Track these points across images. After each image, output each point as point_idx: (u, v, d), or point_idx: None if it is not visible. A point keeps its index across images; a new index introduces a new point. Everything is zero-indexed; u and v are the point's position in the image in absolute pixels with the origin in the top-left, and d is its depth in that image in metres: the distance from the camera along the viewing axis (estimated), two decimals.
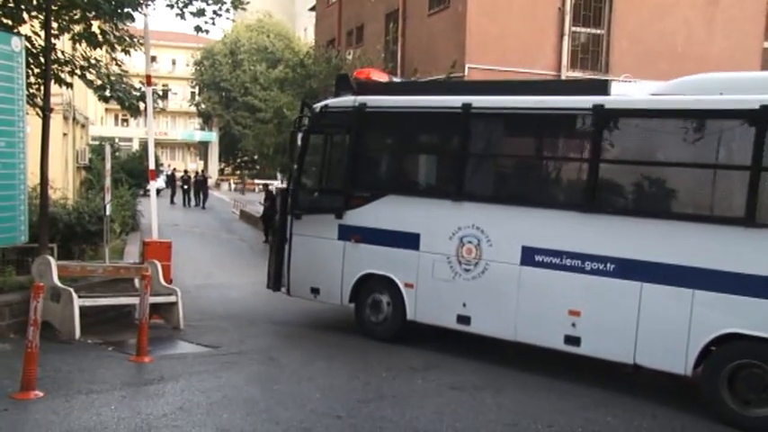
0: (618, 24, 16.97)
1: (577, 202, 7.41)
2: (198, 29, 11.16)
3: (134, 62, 25.42)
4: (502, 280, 7.73)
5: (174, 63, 66.43)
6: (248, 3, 11.36)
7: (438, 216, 8.21)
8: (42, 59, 10.03)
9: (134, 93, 11.97)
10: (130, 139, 54.77)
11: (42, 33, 9.97)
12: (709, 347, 6.56)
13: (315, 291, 9.26)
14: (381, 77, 9.79)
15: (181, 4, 10.82)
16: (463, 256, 8.00)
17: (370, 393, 6.68)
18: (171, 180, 36.68)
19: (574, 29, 16.85)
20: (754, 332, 6.26)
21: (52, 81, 10.25)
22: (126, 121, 58.91)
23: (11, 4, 9.93)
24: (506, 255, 7.71)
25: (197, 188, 34.02)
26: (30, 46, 10.04)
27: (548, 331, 7.46)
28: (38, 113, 10.17)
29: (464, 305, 8.00)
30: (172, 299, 9.28)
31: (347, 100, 8.99)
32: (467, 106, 8.01)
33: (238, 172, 52.44)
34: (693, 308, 6.58)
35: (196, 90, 53.45)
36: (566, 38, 16.59)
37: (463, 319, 8.04)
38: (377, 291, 8.79)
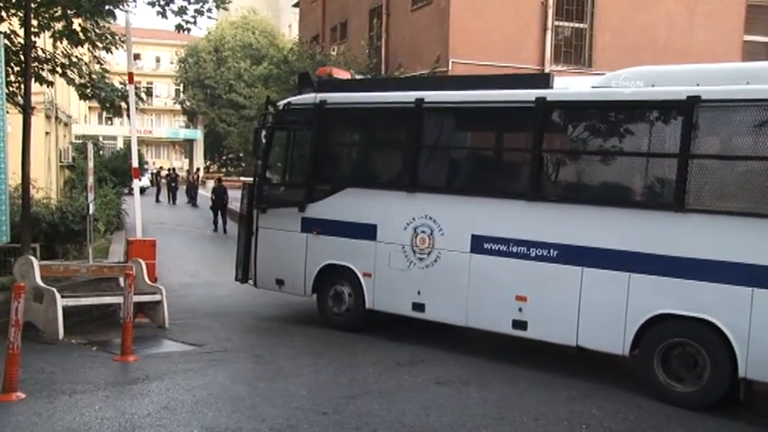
0: (600, 18, 17.02)
1: (523, 191, 7.66)
2: (179, 27, 11.05)
3: (117, 60, 25.24)
4: (453, 268, 8.01)
5: (158, 60, 65.98)
6: (230, 2, 11.27)
7: (393, 207, 8.50)
8: (22, 57, 9.93)
9: (116, 92, 11.85)
10: (115, 138, 54.38)
11: (22, 31, 9.87)
12: (645, 328, 6.83)
13: (280, 282, 9.54)
14: (343, 75, 10.08)
15: (162, 2, 10.71)
16: (417, 245, 8.29)
17: (357, 389, 6.68)
18: (156, 178, 36.50)
19: (557, 23, 16.88)
20: (685, 312, 6.58)
21: (33, 79, 10.16)
22: (110, 119, 58.26)
23: None
24: (457, 243, 7.99)
25: (188, 186, 33.86)
26: (9, 44, 9.93)
27: (497, 316, 7.73)
28: (19, 112, 10.07)
29: (419, 293, 8.28)
30: (156, 297, 9.22)
31: (309, 97, 9.24)
32: (419, 101, 8.32)
33: (224, 169, 52.19)
34: (630, 290, 6.88)
35: (181, 87, 53.08)
36: (549, 32, 16.61)
37: (418, 307, 8.32)
38: (338, 281, 9.06)
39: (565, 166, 7.88)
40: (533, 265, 7.47)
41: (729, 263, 6.37)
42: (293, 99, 9.58)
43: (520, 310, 7.55)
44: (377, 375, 7.21)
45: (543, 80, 7.84)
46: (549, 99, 7.52)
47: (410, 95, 8.43)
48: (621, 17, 16.87)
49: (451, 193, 8.28)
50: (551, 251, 7.37)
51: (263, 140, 9.48)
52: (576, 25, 17.19)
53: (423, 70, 16.35)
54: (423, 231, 8.24)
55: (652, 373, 6.84)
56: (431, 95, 8.36)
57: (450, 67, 15.68)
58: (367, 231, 8.66)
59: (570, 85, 7.89)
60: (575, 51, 17.15)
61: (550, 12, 16.62)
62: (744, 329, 6.28)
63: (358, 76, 11.40)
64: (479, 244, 7.84)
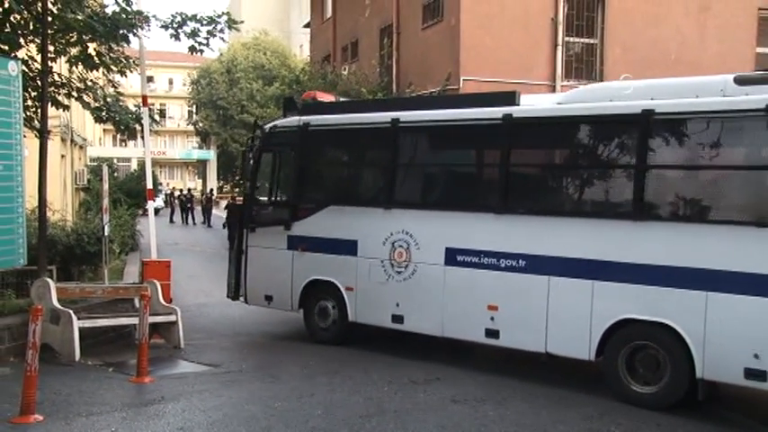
0: (611, 33, 17.04)
1: (492, 204, 7.97)
2: (192, 49, 11.21)
3: (131, 83, 25.58)
4: (429, 280, 8.33)
5: (170, 82, 66.69)
6: (242, 23, 11.42)
7: (373, 223, 8.85)
8: (39, 82, 10.09)
9: (130, 115, 12.00)
10: (129, 159, 54.84)
11: (39, 57, 10.03)
12: (609, 333, 7.09)
13: (269, 298, 9.93)
14: (327, 98, 10.52)
15: (175, 25, 10.87)
16: (395, 259, 8.64)
17: (372, 408, 6.64)
18: (170, 199, 36.77)
19: (567, 39, 16.92)
20: (646, 317, 6.88)
21: (49, 104, 10.31)
22: (124, 141, 59.01)
23: (7, 30, 10.00)
24: (432, 256, 8.31)
25: (204, 207, 34.10)
26: (27, 69, 10.09)
27: (470, 326, 8.01)
28: (36, 136, 10.21)
29: (397, 305, 8.61)
30: (171, 318, 9.26)
31: (293, 120, 9.67)
32: (395, 121, 8.69)
33: (236, 189, 52.45)
34: (594, 297, 7.16)
35: (193, 109, 53.59)
36: (559, 48, 16.66)
37: (397, 318, 8.64)
38: (322, 296, 9.41)
39: (530, 180, 8.28)
40: (503, 275, 7.76)
41: (684, 268, 6.65)
42: (278, 122, 10.00)
43: (492, 319, 7.82)
44: (392, 394, 7.17)
45: (510, 98, 8.08)
46: (515, 116, 7.82)
47: (386, 116, 8.79)
48: (632, 32, 16.89)
49: (426, 208, 8.64)
50: (519, 261, 7.66)
51: (252, 162, 9.92)
52: (587, 41, 17.22)
53: (434, 88, 16.42)
54: (400, 246, 8.58)
55: (617, 376, 7.10)
56: (405, 115, 8.69)
57: (461, 85, 15.73)
58: (348, 247, 9.01)
59: (537, 102, 8.20)
60: (586, 67, 17.16)
61: (561, 28, 16.67)
62: (699, 332, 6.54)
63: (343, 99, 11.86)
64: (453, 256, 8.16)
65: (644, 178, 6.99)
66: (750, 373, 6.31)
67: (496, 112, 7.93)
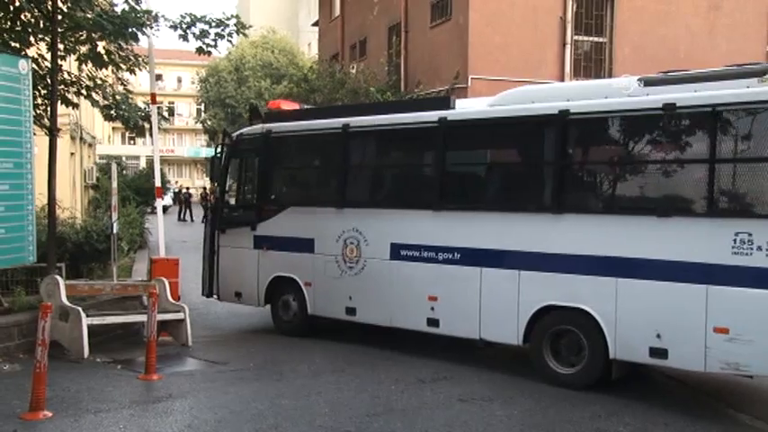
0: (620, 32, 16.99)
1: (430, 202, 8.45)
2: (200, 50, 11.25)
3: (140, 81, 25.66)
4: (377, 274, 8.87)
5: (179, 81, 66.91)
6: (251, 27, 11.44)
7: (327, 222, 9.39)
8: (49, 81, 10.14)
9: (139, 112, 12.04)
10: (138, 157, 55.11)
11: (49, 55, 10.08)
12: (534, 319, 7.58)
13: (238, 295, 10.50)
14: (291, 107, 11.10)
15: (184, 26, 10.91)
16: (347, 255, 9.16)
17: (379, 407, 6.65)
18: (178, 197, 36.92)
19: (576, 37, 16.88)
20: (565, 303, 7.38)
21: (59, 102, 10.36)
22: (133, 139, 59.27)
23: (18, 28, 10.05)
24: (379, 252, 8.84)
25: (203, 204, 34.20)
26: (36, 68, 10.15)
27: (414, 316, 8.52)
28: (45, 133, 10.27)
29: (350, 298, 9.14)
30: (180, 316, 9.29)
31: (257, 128, 10.29)
32: (345, 126, 9.22)
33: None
34: (520, 286, 7.67)
35: (202, 107, 53.73)
36: (568, 47, 16.63)
37: (350, 311, 9.18)
38: (285, 292, 9.96)
39: (463, 178, 8.82)
40: (441, 267, 8.27)
41: (597, 257, 7.14)
42: (244, 130, 10.66)
43: (432, 309, 8.33)
44: (399, 393, 7.18)
45: (445, 102, 8.73)
46: (449, 119, 8.33)
47: (338, 122, 9.32)
48: (641, 30, 16.83)
49: (373, 207, 9.20)
50: (455, 254, 8.18)
51: (221, 168, 10.52)
52: (596, 39, 17.18)
53: (442, 87, 16.42)
54: (351, 243, 9.11)
55: (542, 358, 7.60)
56: (354, 121, 9.22)
57: (469, 84, 15.73)
58: (306, 245, 9.58)
59: (470, 106, 8.71)
60: (595, 65, 17.12)
61: (569, 27, 16.64)
62: (611, 315, 7.05)
63: (307, 106, 12.56)
64: (397, 251, 8.69)
65: (561, 174, 7.54)
66: (654, 352, 6.81)
67: (433, 115, 8.44)
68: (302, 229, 9.64)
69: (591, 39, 17.16)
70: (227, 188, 10.94)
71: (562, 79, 16.44)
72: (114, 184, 11.55)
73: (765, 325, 6.21)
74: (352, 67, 22.03)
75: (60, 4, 9.84)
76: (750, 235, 6.28)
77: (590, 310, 7.20)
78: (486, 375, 7.85)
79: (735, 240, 6.34)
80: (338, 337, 9.61)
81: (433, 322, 8.35)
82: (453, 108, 8.47)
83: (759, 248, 6.22)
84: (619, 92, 7.23)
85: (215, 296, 10.77)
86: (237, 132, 10.78)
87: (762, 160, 6.41)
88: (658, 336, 6.75)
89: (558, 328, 7.52)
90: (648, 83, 7.16)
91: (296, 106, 11.26)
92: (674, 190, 7.09)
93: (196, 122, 55.88)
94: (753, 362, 6.33)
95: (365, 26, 22.93)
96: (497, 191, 8.51)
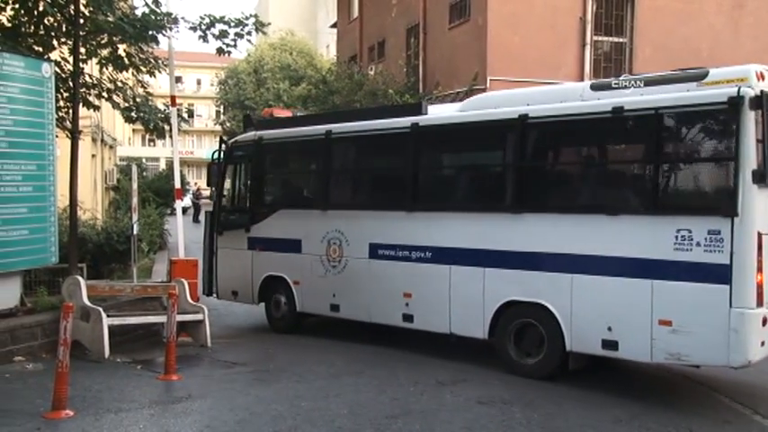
0: (641, 32, 16.82)
1: (404, 203, 8.88)
2: (220, 51, 11.31)
3: (160, 83, 25.87)
4: (357, 272, 9.31)
5: (198, 83, 67.40)
6: (269, 25, 11.49)
7: (313, 224, 9.86)
8: (71, 83, 10.26)
9: (159, 114, 12.14)
10: (157, 159, 55.56)
11: (71, 58, 10.19)
12: (498, 314, 7.95)
13: (235, 293, 11.04)
14: (284, 114, 11.76)
15: (204, 27, 10.97)
16: (330, 255, 9.62)
17: (398, 409, 6.62)
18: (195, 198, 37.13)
19: (596, 38, 16.75)
20: (526, 298, 7.76)
21: (80, 104, 10.47)
22: (153, 141, 59.76)
23: (41, 32, 10.17)
24: (359, 251, 9.29)
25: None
26: (59, 71, 10.27)
27: (390, 312, 8.96)
28: (67, 136, 10.38)
29: (334, 295, 9.62)
30: (199, 317, 9.34)
31: (250, 135, 10.84)
32: (328, 132, 9.67)
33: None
34: (485, 283, 8.05)
35: (221, 109, 54.09)
36: (587, 47, 16.50)
37: (334, 307, 9.65)
38: (276, 290, 10.44)
39: (433, 180, 9.23)
40: (414, 265, 8.71)
41: (554, 254, 7.48)
42: (239, 137, 11.30)
43: (407, 305, 8.76)
44: (418, 395, 7.15)
45: (417, 108, 9.07)
46: (420, 124, 8.72)
47: (322, 128, 9.76)
48: (663, 30, 16.65)
49: (353, 209, 9.66)
50: (426, 253, 8.60)
51: (218, 173, 11.09)
52: (616, 40, 17.03)
53: (460, 88, 16.37)
54: (334, 243, 9.57)
55: (506, 351, 7.98)
56: (336, 127, 9.66)
57: (488, 85, 15.66)
58: (295, 246, 10.07)
59: (441, 111, 9.06)
60: (615, 66, 16.96)
61: (589, 27, 16.52)
62: (567, 310, 7.40)
63: (299, 114, 13.13)
64: (375, 251, 9.14)
65: (520, 175, 7.90)
66: (606, 344, 7.14)
67: (406, 121, 8.82)
68: (290, 231, 10.12)
69: (611, 39, 17.02)
70: (224, 192, 11.48)
71: (582, 80, 16.31)
72: (134, 186, 11.64)
73: (704, 317, 6.50)
74: (371, 69, 22.04)
75: (83, 8, 9.94)
76: (690, 231, 6.59)
77: (548, 304, 7.55)
78: (506, 378, 7.79)
79: (677, 237, 6.66)
80: (357, 338, 9.60)
81: (407, 318, 8.78)
82: (425, 114, 8.83)
83: (698, 244, 6.54)
84: (573, 96, 7.58)
85: (214, 295, 11.29)
86: (233, 140, 11.38)
87: (700, 160, 6.90)
88: (609, 329, 7.08)
89: (519, 321, 7.87)
90: (597, 87, 7.49)
91: (288, 114, 11.89)
92: (622, 189, 7.49)
93: (215, 124, 56.23)
94: (693, 352, 6.65)
95: (384, 28, 22.94)
96: (464, 192, 8.92)
